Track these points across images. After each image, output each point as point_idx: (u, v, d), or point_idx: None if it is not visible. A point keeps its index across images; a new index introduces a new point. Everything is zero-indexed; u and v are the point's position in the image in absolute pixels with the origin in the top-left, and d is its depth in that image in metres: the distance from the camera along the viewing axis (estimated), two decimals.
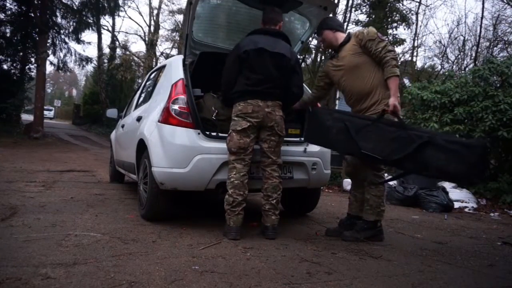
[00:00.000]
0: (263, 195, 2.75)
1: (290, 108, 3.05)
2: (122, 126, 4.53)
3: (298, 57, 3.44)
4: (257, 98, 2.68)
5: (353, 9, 11.95)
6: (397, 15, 11.27)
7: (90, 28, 17.42)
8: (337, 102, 14.30)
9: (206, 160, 2.76)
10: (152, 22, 24.70)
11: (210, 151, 2.78)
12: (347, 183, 6.36)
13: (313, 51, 12.84)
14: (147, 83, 4.31)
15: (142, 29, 27.93)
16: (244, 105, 2.67)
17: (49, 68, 17.88)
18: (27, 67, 15.92)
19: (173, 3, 33.89)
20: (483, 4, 17.69)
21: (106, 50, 24.65)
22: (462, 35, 13.14)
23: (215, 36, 3.55)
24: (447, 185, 5.32)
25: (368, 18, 11.52)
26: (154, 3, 35.87)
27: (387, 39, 2.76)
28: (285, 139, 2.91)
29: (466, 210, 4.79)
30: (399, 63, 2.73)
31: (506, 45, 12.61)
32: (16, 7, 15.26)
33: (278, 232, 2.75)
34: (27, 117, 18.17)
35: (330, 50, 3.15)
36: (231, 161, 2.69)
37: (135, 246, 2.31)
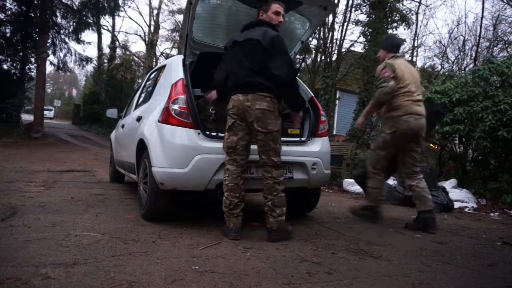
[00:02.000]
0: (263, 196, 2.74)
1: (289, 98, 2.77)
2: (122, 126, 4.53)
3: (276, 39, 2.64)
4: (238, 92, 2.61)
5: (353, 9, 11.91)
6: (397, 15, 11.22)
7: (90, 28, 17.47)
8: (337, 102, 14.32)
9: (206, 160, 2.76)
10: (152, 22, 24.75)
11: (210, 151, 2.78)
12: (347, 183, 6.36)
13: (313, 51, 12.83)
14: (147, 83, 4.31)
15: (142, 29, 28.01)
16: (229, 102, 2.67)
17: (49, 68, 17.94)
18: (27, 67, 15.94)
19: (173, 3, 34.09)
20: (483, 4, 17.70)
21: (106, 50, 24.72)
22: (462, 35, 13.17)
23: (215, 36, 3.55)
24: (447, 185, 5.32)
25: (368, 18, 11.48)
26: (154, 3, 36.05)
27: (388, 72, 3.29)
28: (285, 139, 2.89)
29: (466, 210, 4.79)
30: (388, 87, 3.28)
31: (506, 45, 12.61)
32: (16, 7, 15.29)
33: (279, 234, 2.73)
34: (27, 117, 18.19)
35: None
36: (225, 162, 2.68)
37: (135, 246, 2.31)
